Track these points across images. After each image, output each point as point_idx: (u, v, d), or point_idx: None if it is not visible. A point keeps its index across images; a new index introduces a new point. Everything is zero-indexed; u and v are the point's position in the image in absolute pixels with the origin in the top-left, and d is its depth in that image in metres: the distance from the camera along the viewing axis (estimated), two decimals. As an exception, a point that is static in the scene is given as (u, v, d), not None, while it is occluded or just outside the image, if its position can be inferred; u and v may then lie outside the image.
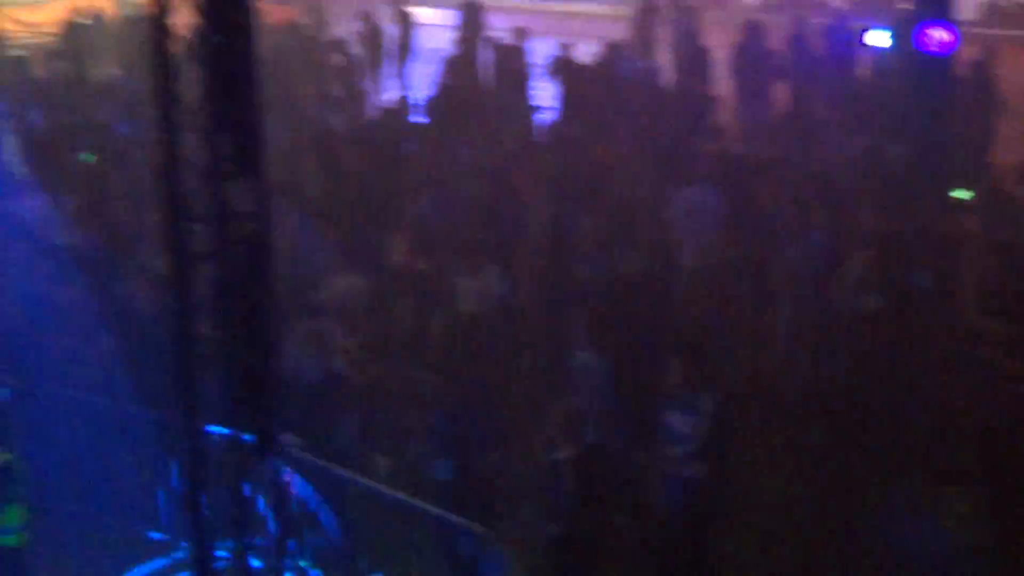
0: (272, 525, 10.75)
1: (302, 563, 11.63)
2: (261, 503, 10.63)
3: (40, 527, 11.72)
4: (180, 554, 11.83)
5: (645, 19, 26.90)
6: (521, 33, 24.23)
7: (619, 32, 25.99)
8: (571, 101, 22.02)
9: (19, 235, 15.79)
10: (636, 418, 12.72)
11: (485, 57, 24.57)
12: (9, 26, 28.23)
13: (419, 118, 21.51)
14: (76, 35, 27.64)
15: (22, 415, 12.28)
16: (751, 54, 23.31)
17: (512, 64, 23.63)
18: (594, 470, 11.51)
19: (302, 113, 21.39)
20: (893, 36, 23.56)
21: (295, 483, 11.22)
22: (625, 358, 13.06)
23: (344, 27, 27.03)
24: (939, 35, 18.41)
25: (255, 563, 10.52)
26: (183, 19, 9.90)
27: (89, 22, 28.29)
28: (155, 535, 12.53)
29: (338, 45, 25.64)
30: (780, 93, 22.98)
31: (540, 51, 24.21)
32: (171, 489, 11.95)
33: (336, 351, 13.01)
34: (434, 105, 21.77)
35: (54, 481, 12.62)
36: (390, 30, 26.75)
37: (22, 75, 24.36)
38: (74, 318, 14.08)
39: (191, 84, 9.83)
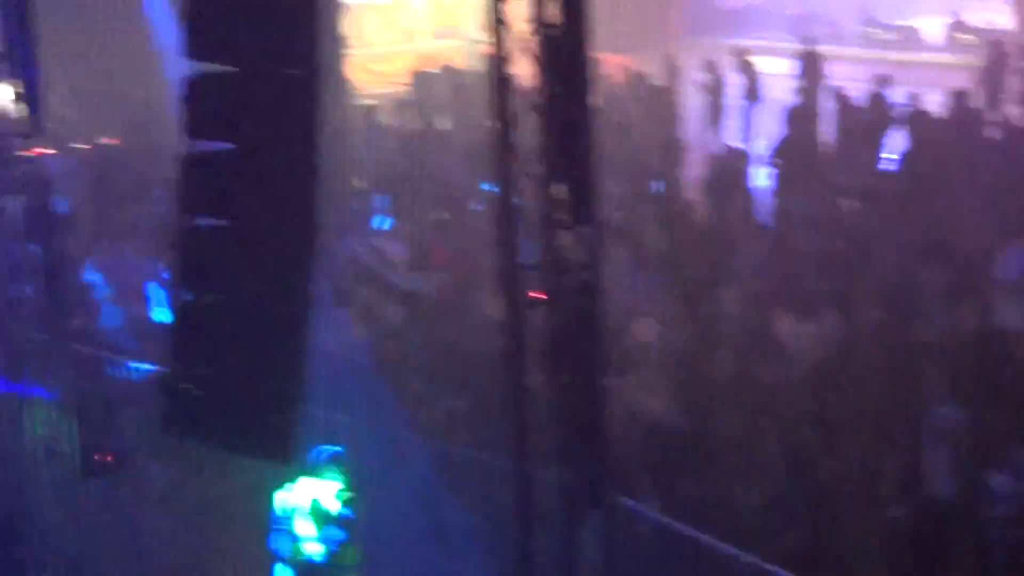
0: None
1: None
2: (592, 552, 10.66)
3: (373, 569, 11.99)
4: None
5: (994, 68, 26.23)
6: (882, 81, 23.82)
7: (965, 81, 25.38)
8: (917, 151, 21.59)
9: (362, 276, 16.31)
10: (970, 476, 12.41)
11: (829, 106, 24.28)
12: (361, 76, 29.22)
13: (760, 167, 21.45)
14: (425, 86, 28.44)
15: (361, 454, 12.61)
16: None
17: (860, 113, 23.31)
18: (931, 528, 11.33)
19: (640, 162, 21.50)
20: None
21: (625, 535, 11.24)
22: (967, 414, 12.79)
23: (687, 77, 27.08)
24: None
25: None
26: (524, 71, 10.09)
27: (438, 73, 29.08)
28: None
29: (678, 94, 25.71)
30: None
31: (886, 100, 23.80)
32: (504, 534, 12.09)
33: (656, 401, 13.08)
34: (776, 154, 21.67)
35: (389, 523, 12.91)
36: (734, 79, 26.68)
37: (372, 123, 25.18)
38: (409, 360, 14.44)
39: (530, 134, 10.00)
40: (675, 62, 27.33)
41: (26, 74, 12.87)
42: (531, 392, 10.52)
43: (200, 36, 9.58)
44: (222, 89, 9.64)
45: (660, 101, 25.61)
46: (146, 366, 15.01)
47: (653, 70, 27.25)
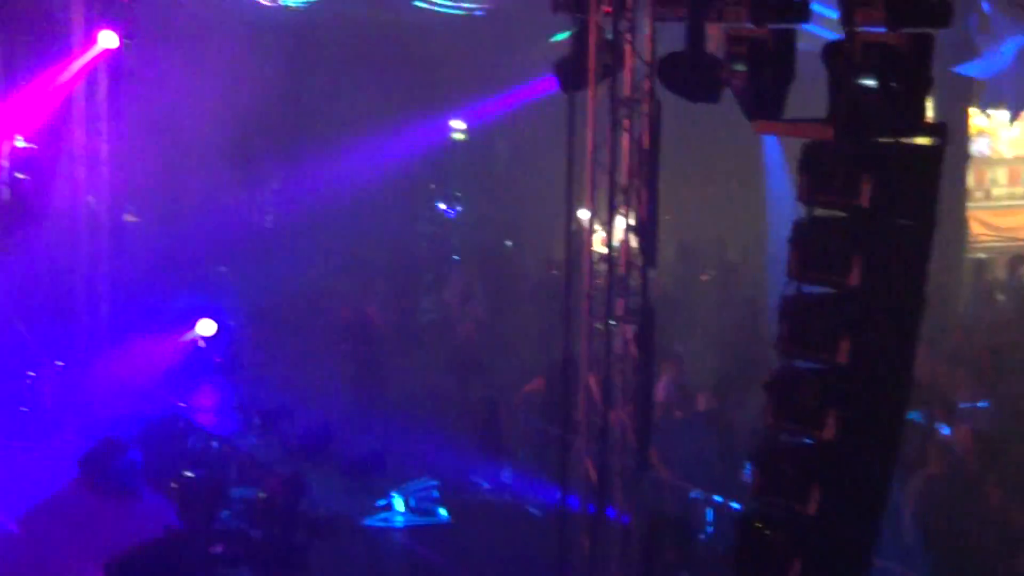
0: None
1: None
2: None
3: None
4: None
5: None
6: None
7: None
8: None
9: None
10: None
11: None
12: (978, 229, 29.12)
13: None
14: None
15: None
16: None
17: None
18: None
19: None
20: None
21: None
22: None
23: None
24: None
25: None
26: None
27: None
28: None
29: None
30: None
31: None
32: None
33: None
34: None
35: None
36: None
37: (980, 278, 25.48)
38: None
39: None
40: None
41: (645, 206, 12.85)
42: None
43: (814, 181, 9.66)
44: (830, 234, 9.67)
45: None
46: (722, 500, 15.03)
47: None
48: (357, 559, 15.57)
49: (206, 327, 22.14)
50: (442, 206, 29.14)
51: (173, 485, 16.59)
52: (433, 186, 29.31)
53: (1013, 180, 31.61)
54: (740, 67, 10.75)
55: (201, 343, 22.24)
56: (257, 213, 27.24)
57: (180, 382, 21.37)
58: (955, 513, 13.96)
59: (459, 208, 28.86)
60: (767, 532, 9.74)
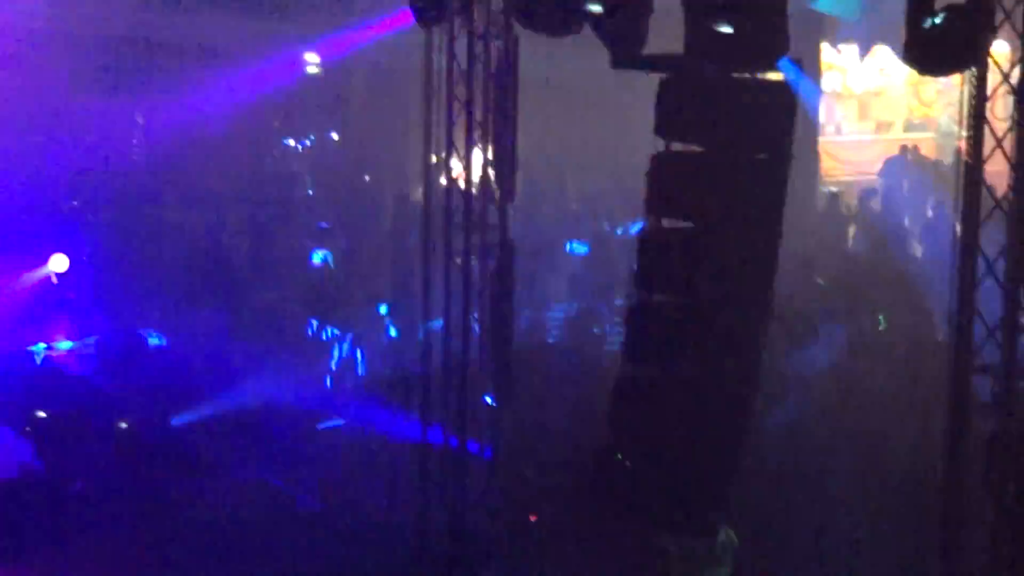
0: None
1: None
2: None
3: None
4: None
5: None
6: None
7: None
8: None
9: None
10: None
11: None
12: (831, 163, 29.18)
13: None
14: (892, 175, 27.88)
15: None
16: None
17: None
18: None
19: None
20: None
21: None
22: None
23: None
24: None
25: None
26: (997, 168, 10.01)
27: (906, 163, 28.47)
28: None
29: None
30: None
31: None
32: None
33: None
34: None
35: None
36: None
37: (833, 210, 25.59)
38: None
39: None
40: None
41: (503, 141, 12.86)
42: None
43: (671, 116, 9.69)
44: (687, 167, 9.72)
45: None
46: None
47: None
48: (218, 494, 15.56)
49: (59, 263, 21.87)
50: (291, 142, 29.00)
51: (27, 428, 16.49)
52: (277, 123, 29.17)
53: (863, 115, 32.09)
54: (595, 7, 10.81)
55: (54, 279, 21.97)
56: (114, 146, 26.83)
57: (33, 320, 21.12)
58: (816, 445, 14.25)
59: (309, 141, 28.69)
60: (626, 463, 9.86)
